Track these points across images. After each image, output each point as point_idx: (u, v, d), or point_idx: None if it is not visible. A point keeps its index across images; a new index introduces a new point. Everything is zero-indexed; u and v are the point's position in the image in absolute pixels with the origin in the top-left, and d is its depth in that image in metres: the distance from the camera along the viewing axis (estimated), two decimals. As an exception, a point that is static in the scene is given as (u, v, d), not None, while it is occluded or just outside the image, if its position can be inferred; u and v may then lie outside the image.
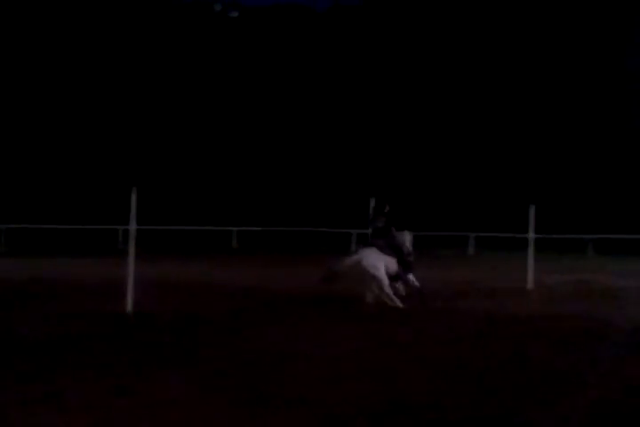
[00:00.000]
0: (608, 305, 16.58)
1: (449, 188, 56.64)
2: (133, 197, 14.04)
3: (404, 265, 16.14)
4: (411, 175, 58.05)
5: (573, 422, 7.23)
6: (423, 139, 59.24)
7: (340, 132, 61.53)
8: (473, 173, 57.01)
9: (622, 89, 54.13)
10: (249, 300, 16.77)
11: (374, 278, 15.64)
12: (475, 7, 60.90)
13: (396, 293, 15.87)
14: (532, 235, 20.42)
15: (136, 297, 14.04)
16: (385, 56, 61.88)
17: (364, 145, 60.18)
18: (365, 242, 17.89)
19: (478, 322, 13.63)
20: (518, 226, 23.02)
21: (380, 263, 15.65)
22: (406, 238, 16.78)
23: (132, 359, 9.65)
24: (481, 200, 54.27)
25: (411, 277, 16.38)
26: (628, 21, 54.58)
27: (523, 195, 44.43)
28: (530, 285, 19.92)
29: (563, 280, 22.52)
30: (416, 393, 8.10)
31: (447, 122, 59.41)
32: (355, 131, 61.14)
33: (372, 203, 16.96)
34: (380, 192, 19.09)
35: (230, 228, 44.12)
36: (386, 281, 15.54)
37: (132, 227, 14.32)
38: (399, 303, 15.40)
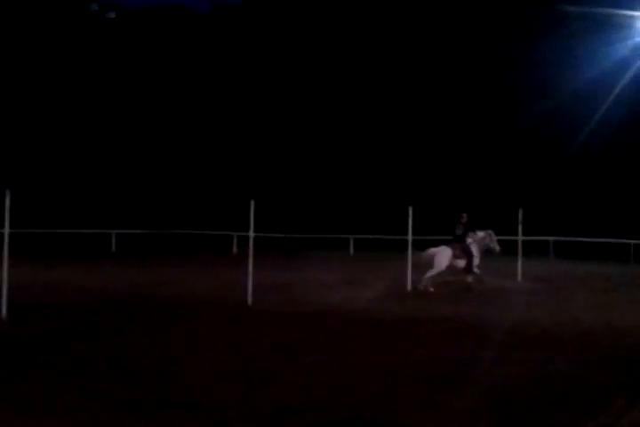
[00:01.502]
0: (485, 306, 16.89)
1: (330, 191, 56.86)
2: (7, 201, 13.64)
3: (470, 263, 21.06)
4: (296, 178, 58.10)
5: (455, 421, 7.34)
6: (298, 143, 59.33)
7: (220, 134, 61.16)
8: (352, 177, 57.42)
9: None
10: (122, 305, 16.43)
11: (431, 268, 20.52)
12: (352, 9, 61.19)
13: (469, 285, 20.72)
14: (410, 237, 20.67)
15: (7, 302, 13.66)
16: (266, 56, 61.84)
17: (243, 149, 59.99)
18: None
19: (359, 323, 13.71)
20: (399, 228, 23.23)
21: (445, 260, 20.78)
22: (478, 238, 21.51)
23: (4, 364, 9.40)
24: (360, 203, 54.67)
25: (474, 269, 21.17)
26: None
27: (403, 197, 45.03)
28: (409, 286, 20.13)
29: (442, 281, 22.80)
30: (296, 396, 8.11)
31: (315, 123, 59.56)
32: (235, 133, 60.88)
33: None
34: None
35: (109, 231, 43.38)
36: (435, 273, 20.61)
37: (6, 230, 13.89)
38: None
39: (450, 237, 21.75)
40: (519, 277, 23.42)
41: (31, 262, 26.89)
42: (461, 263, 21.08)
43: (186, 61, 63.54)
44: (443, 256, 20.83)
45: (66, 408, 7.39)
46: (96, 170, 58.08)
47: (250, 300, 16.19)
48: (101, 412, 7.30)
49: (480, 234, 21.56)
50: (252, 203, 16.70)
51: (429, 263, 20.72)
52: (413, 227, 20.53)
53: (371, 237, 42.21)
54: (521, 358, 10.47)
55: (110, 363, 9.72)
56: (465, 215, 21.66)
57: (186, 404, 7.69)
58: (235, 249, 40.18)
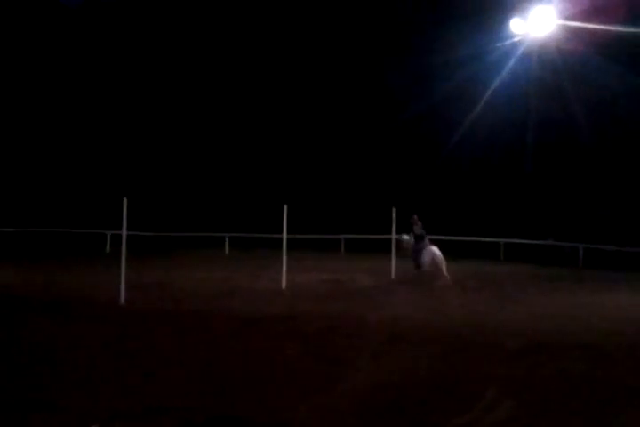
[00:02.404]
0: (359, 304, 17.09)
1: (204, 189, 56.60)
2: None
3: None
4: (169, 175, 57.61)
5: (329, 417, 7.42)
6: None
7: (96, 127, 60.02)
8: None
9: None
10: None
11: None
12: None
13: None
14: (285, 235, 20.76)
15: None
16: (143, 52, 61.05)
17: (116, 145, 59.11)
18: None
19: (234, 322, 13.71)
20: (274, 226, 23.33)
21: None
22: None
23: None
24: (234, 201, 54.59)
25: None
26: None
27: (276, 195, 45.16)
28: (284, 284, 20.21)
29: (317, 280, 22.98)
30: (173, 395, 8.09)
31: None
32: (107, 130, 59.86)
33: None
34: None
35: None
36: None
37: None
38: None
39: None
40: (392, 277, 23.73)
41: None
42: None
43: (55, 55, 62.17)
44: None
45: None
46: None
47: (122, 299, 15.99)
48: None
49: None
50: (125, 201, 16.50)
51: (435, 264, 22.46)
52: (289, 226, 20.66)
53: (246, 235, 42.19)
54: (390, 352, 10.66)
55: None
56: (415, 217, 23.20)
57: (47, 405, 7.54)
58: (108, 248, 39.60)
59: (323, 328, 13.07)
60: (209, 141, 58.16)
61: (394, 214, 23.84)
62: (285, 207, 20.31)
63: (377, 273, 24.57)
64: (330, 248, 41.24)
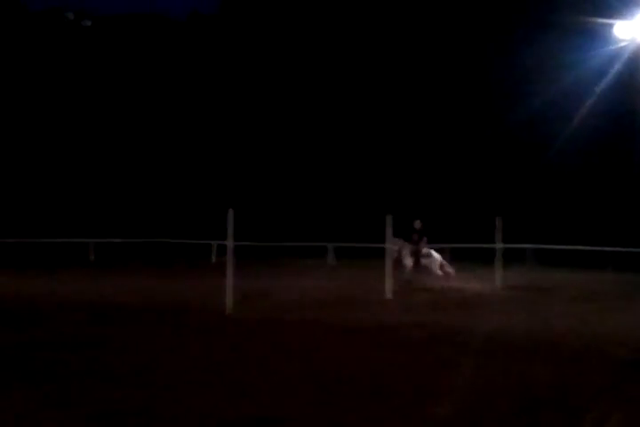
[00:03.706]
0: (463, 314, 16.95)
1: (308, 198, 56.92)
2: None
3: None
4: (271, 186, 58.11)
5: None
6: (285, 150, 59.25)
7: (199, 142, 61.02)
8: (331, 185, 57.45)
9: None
10: (102, 314, 16.42)
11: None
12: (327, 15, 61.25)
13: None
14: (388, 244, 20.74)
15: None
16: (243, 65, 61.80)
17: (222, 157, 59.94)
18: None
19: (337, 331, 13.76)
20: (377, 236, 23.35)
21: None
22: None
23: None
24: (339, 211, 54.73)
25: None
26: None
27: (380, 205, 45.11)
28: (388, 295, 20.18)
29: (422, 289, 22.90)
30: (274, 406, 8.15)
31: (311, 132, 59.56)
32: (213, 141, 60.78)
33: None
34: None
35: (87, 240, 43.37)
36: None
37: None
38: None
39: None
40: (497, 284, 23.49)
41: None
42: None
43: (163, 69, 63.45)
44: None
45: (38, 421, 7.37)
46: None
47: (228, 308, 16.19)
48: (77, 423, 7.28)
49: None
50: (231, 212, 16.70)
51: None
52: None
53: (351, 245, 42.17)
54: (496, 365, 10.55)
55: (87, 373, 9.71)
56: (419, 222, 24.54)
57: (164, 414, 7.68)
58: (214, 258, 40.06)
59: (425, 338, 13.02)
60: (316, 152, 58.39)
61: (498, 224, 23.60)
62: (389, 218, 20.30)
63: (482, 281, 24.36)
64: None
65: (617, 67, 38.17)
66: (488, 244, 24.97)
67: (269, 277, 27.37)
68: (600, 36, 35.43)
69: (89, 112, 60.64)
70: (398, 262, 23.49)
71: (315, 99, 59.56)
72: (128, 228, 50.81)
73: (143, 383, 9.13)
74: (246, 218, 17.15)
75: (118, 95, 61.81)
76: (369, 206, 49.13)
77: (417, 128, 55.63)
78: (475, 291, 22.37)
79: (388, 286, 20.32)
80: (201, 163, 60.32)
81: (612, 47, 34.03)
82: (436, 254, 24.67)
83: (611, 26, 31.58)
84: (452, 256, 38.37)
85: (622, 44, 32.24)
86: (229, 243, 16.85)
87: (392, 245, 21.60)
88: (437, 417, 7.70)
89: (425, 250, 24.40)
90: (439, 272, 24.26)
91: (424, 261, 24.27)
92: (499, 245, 23.89)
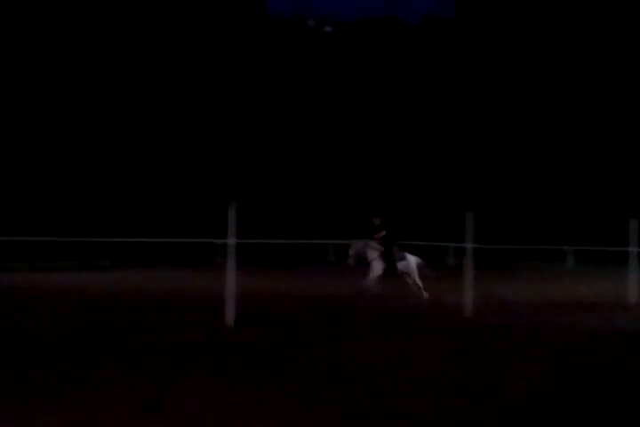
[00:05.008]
0: None
1: (546, 200, 55.83)
2: (232, 212, 14.25)
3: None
4: (511, 189, 57.35)
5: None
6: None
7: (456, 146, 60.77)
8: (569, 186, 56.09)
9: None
10: (350, 311, 16.80)
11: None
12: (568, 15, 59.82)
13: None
14: (633, 248, 20.02)
15: (237, 310, 14.24)
16: (479, 69, 61.29)
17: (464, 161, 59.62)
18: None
19: (577, 336, 13.48)
20: (618, 240, 22.57)
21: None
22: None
23: (233, 371, 9.86)
24: (578, 214, 53.36)
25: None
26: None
27: (621, 208, 43.66)
28: (632, 299, 19.50)
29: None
30: (521, 408, 8.09)
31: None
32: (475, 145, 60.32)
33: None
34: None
35: (326, 241, 44.36)
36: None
37: (232, 241, 14.48)
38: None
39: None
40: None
41: (255, 272, 27.83)
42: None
43: (396, 72, 63.81)
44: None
45: (284, 415, 7.65)
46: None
47: (467, 310, 16.13)
48: (320, 420, 7.49)
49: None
50: (471, 215, 16.63)
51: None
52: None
53: (589, 248, 40.91)
54: None
55: (327, 371, 9.99)
56: (377, 218, 20.33)
57: (405, 414, 7.76)
58: (450, 260, 39.97)
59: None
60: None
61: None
62: (634, 221, 19.60)
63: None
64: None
65: None
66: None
67: (509, 281, 27.09)
68: None
69: (338, 115, 61.72)
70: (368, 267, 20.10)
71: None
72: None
73: (384, 384, 9.27)
74: (485, 220, 16.95)
75: (356, 98, 62.67)
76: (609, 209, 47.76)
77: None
78: None
79: (633, 290, 19.63)
80: (435, 166, 60.16)
81: None
82: (411, 257, 20.46)
83: None
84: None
85: None
86: (468, 245, 16.79)
87: (353, 246, 19.99)
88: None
89: (399, 253, 20.13)
90: (419, 282, 20.09)
91: (400, 265, 20.06)
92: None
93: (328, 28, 68.76)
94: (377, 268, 19.86)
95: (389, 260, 19.87)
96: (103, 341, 12.27)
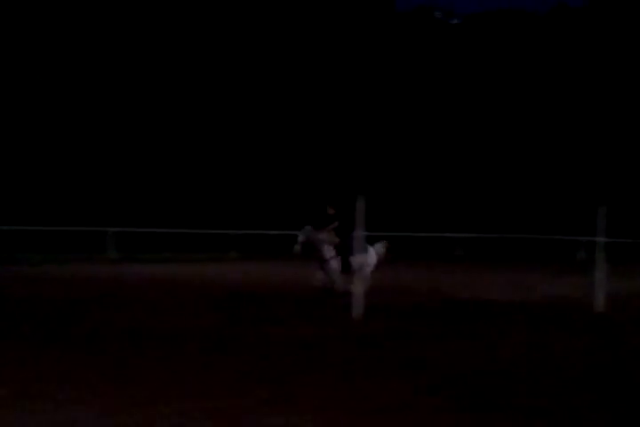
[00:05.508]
0: None
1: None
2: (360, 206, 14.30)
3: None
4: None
5: None
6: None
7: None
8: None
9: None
10: (453, 308, 16.63)
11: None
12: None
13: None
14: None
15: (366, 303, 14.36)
16: (613, 60, 59.48)
17: (592, 153, 58.18)
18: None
19: None
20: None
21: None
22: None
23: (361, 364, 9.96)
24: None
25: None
26: None
27: None
28: None
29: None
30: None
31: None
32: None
33: None
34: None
35: (454, 234, 44.30)
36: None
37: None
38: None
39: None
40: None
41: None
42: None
43: (526, 63, 62.66)
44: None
45: (402, 406, 7.68)
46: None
47: (598, 306, 15.76)
48: (442, 412, 7.49)
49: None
50: (603, 209, 16.26)
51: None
52: None
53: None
54: None
55: (445, 365, 9.98)
56: (330, 208, 18.52)
57: (528, 409, 7.68)
58: (581, 255, 39.18)
59: None
60: None
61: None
62: None
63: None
64: None
65: None
66: None
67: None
68: None
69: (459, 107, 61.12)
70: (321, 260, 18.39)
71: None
72: (487, 223, 50.87)
73: (506, 378, 9.21)
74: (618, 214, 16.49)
75: (485, 90, 61.86)
76: None
77: None
78: None
79: None
80: (568, 159, 58.85)
81: None
82: (372, 249, 18.64)
83: None
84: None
85: None
86: (600, 239, 16.43)
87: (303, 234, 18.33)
88: None
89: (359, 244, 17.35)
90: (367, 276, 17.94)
91: (355, 263, 17.97)
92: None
93: (455, 21, 68.24)
94: (334, 266, 18.16)
95: (344, 254, 18.10)
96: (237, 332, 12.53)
